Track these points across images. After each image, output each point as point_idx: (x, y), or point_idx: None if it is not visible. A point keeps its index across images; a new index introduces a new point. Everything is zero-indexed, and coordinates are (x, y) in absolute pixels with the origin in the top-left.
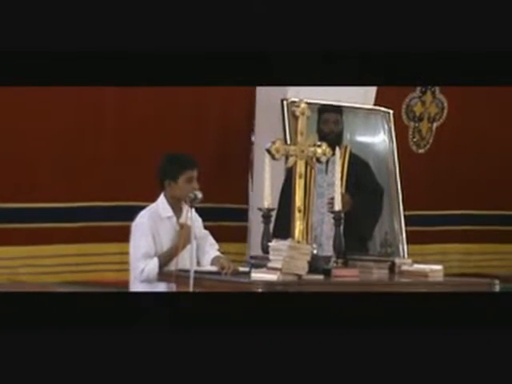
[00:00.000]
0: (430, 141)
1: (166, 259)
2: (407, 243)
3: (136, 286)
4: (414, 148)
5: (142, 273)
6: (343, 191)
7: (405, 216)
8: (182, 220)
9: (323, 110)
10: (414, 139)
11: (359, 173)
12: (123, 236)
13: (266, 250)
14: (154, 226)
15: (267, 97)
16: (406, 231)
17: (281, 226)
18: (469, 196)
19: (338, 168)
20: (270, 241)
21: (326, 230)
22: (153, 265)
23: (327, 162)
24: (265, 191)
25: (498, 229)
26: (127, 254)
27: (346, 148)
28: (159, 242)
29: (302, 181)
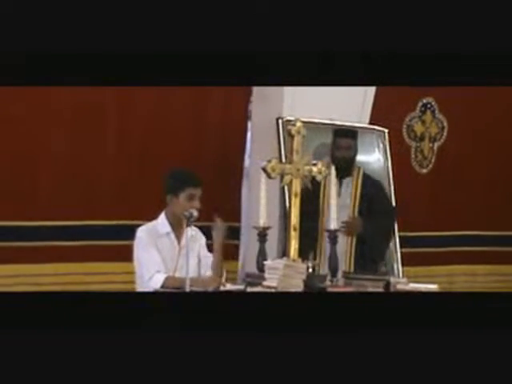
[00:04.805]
0: (433, 160)
1: (173, 283)
2: (402, 263)
3: None
4: (417, 168)
5: (148, 282)
6: (356, 214)
7: (407, 237)
8: (183, 241)
9: (339, 134)
10: (417, 159)
11: (372, 194)
12: (127, 255)
13: (261, 268)
14: (152, 241)
15: (263, 115)
16: (401, 252)
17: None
18: (473, 216)
19: (334, 187)
20: (266, 259)
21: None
22: (157, 280)
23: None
24: (260, 210)
25: (504, 250)
26: (131, 273)
27: (358, 170)
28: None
29: (298, 199)
